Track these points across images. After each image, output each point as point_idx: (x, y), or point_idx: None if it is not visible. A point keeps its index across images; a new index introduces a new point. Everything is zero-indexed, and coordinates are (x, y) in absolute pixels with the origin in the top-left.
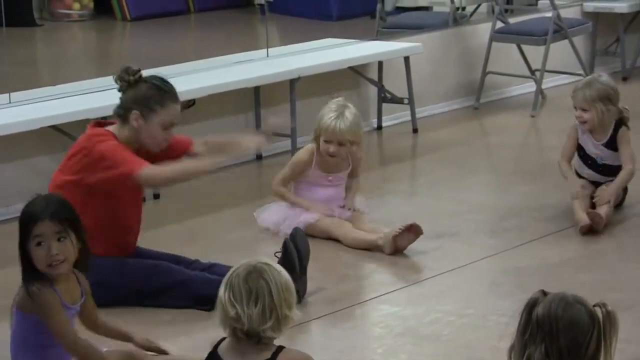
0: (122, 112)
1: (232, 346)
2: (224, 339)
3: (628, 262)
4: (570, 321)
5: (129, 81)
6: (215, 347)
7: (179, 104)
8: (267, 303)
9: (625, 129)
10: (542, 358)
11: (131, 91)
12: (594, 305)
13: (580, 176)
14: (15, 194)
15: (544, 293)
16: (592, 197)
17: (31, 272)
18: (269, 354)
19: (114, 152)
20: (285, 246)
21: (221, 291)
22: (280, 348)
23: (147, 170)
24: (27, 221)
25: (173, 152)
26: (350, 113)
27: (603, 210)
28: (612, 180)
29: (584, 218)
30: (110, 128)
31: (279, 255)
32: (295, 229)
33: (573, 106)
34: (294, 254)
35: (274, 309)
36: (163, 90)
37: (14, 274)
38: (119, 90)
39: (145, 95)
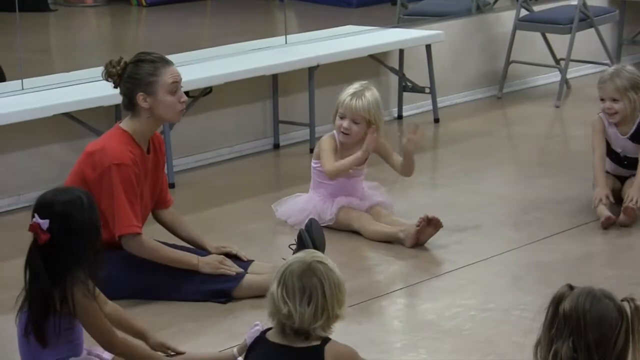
0: (128, 103)
1: (280, 336)
2: (270, 328)
3: None
4: (599, 316)
5: (117, 73)
6: (264, 332)
7: (171, 64)
8: (320, 303)
9: None
10: (569, 353)
11: (124, 80)
12: (622, 300)
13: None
14: (27, 184)
15: (571, 287)
16: (617, 196)
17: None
18: (317, 342)
19: (120, 200)
20: (300, 237)
21: (274, 286)
22: (328, 339)
23: (136, 241)
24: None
25: (160, 203)
26: (370, 94)
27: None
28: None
29: (605, 212)
30: (126, 126)
31: (294, 247)
32: (311, 220)
33: (600, 98)
34: (310, 245)
35: (326, 308)
36: (148, 61)
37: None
38: (114, 87)
39: (137, 75)
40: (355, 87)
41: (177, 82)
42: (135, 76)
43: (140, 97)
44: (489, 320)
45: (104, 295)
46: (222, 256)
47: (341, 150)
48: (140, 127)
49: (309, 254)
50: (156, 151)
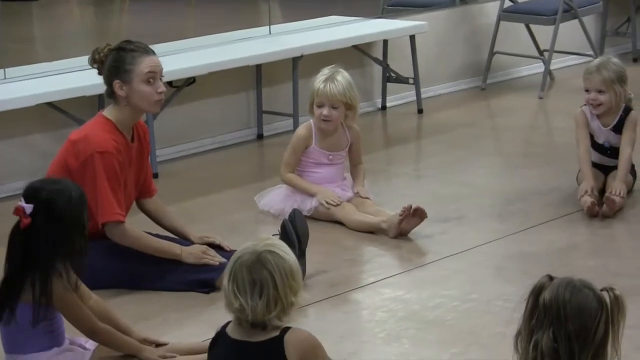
0: (109, 91)
1: (239, 329)
2: (230, 321)
3: (637, 248)
4: (578, 306)
5: (100, 60)
6: (224, 327)
7: (151, 54)
8: (272, 294)
9: (636, 113)
10: (550, 343)
11: (105, 67)
12: (602, 290)
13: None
14: (11, 173)
15: (551, 278)
16: (602, 189)
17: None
18: (276, 333)
19: (103, 188)
20: (283, 228)
21: (225, 280)
22: (287, 328)
23: (119, 229)
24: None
25: (144, 192)
26: (342, 77)
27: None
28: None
29: (589, 200)
30: (109, 114)
31: (277, 237)
32: (294, 211)
33: (585, 89)
34: (293, 236)
35: (279, 298)
36: (128, 49)
37: None
38: (99, 74)
39: (115, 63)
40: (325, 73)
41: (153, 72)
42: (114, 64)
43: (116, 85)
44: (472, 311)
45: (88, 288)
46: (205, 246)
47: (321, 137)
48: (121, 116)
49: (260, 243)
50: (140, 140)
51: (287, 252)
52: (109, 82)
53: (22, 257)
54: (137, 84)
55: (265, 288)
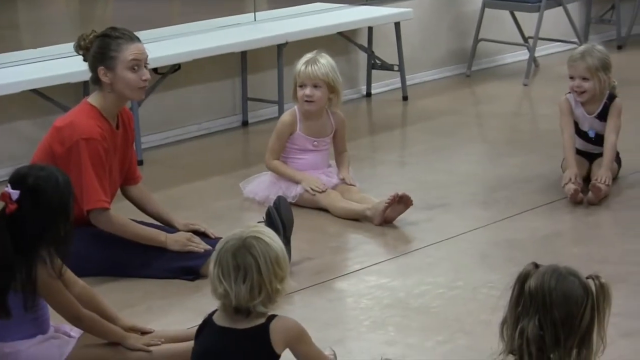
0: (94, 77)
1: (224, 315)
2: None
3: (622, 235)
4: (564, 293)
5: (86, 47)
6: (211, 315)
7: (136, 42)
8: (256, 280)
9: (621, 100)
10: (535, 331)
11: (90, 54)
12: (587, 277)
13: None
14: None
15: (536, 265)
16: (586, 176)
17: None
18: (262, 320)
19: (88, 175)
20: (269, 215)
21: (211, 265)
22: (273, 316)
23: (104, 216)
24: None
25: (129, 179)
26: (324, 59)
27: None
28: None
29: (572, 187)
30: (94, 100)
31: (262, 224)
32: (279, 198)
33: (570, 76)
34: (278, 223)
35: (263, 284)
36: (113, 36)
37: None
38: (84, 60)
39: (100, 50)
40: (307, 56)
41: (138, 60)
42: (99, 50)
43: (101, 71)
44: (457, 298)
45: (74, 274)
46: (190, 234)
47: (306, 123)
48: (105, 102)
49: (247, 229)
50: (125, 126)
51: (273, 239)
52: (93, 68)
53: (11, 243)
54: (122, 70)
55: (249, 273)
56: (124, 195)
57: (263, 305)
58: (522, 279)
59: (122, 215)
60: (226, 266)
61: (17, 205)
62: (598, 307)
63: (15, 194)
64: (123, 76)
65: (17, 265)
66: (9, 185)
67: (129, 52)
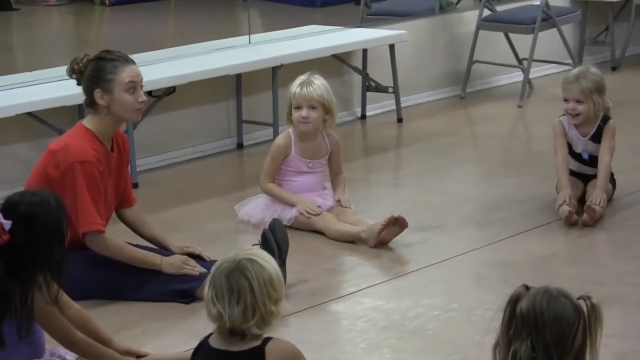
0: (88, 100)
1: (220, 338)
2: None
3: (617, 256)
4: (555, 314)
5: (79, 71)
6: (206, 337)
7: (132, 64)
8: (249, 301)
9: (614, 122)
10: (528, 353)
11: (85, 77)
12: (578, 298)
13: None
14: None
15: (527, 287)
16: (581, 197)
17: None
18: (258, 343)
19: (83, 198)
20: (264, 237)
21: (206, 288)
22: (269, 338)
23: (99, 239)
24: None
25: (124, 202)
26: (319, 80)
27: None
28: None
29: (567, 209)
30: (89, 123)
31: (257, 247)
32: (274, 220)
33: (564, 98)
34: (274, 245)
35: (257, 306)
36: (108, 59)
37: None
38: (78, 84)
39: (95, 73)
40: (301, 78)
41: (134, 82)
42: (94, 73)
43: (97, 94)
44: (452, 320)
45: (68, 297)
46: (185, 256)
47: (300, 145)
48: (101, 125)
49: (241, 252)
50: (120, 149)
51: (267, 261)
52: (89, 91)
53: (7, 273)
54: (119, 92)
55: (242, 294)
56: (119, 219)
57: (257, 328)
58: (514, 300)
59: (117, 238)
60: (220, 288)
61: (9, 236)
62: (590, 328)
63: (7, 224)
64: (120, 98)
65: (12, 292)
66: (0, 214)
67: (125, 74)
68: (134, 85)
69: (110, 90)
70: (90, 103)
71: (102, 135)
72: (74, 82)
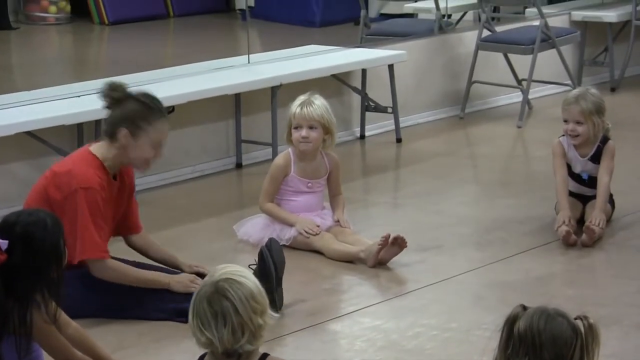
0: (109, 130)
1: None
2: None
3: (616, 277)
4: (553, 334)
5: (115, 98)
6: (201, 357)
7: (167, 121)
8: (236, 322)
9: (614, 142)
10: None
11: (118, 108)
12: (575, 318)
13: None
14: None
15: (524, 307)
16: (580, 218)
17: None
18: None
19: (87, 224)
20: (261, 257)
21: (190, 317)
22: (265, 355)
23: (105, 266)
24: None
25: (131, 229)
26: (318, 101)
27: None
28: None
29: (565, 229)
30: (96, 150)
31: (254, 267)
32: (271, 240)
33: (564, 119)
34: (270, 265)
35: (244, 324)
36: (151, 107)
37: None
38: (105, 107)
39: (133, 113)
40: (301, 98)
41: (162, 142)
42: (132, 113)
43: (122, 132)
44: (450, 340)
45: (66, 316)
46: (193, 275)
47: (300, 165)
48: (109, 156)
49: (217, 273)
50: (123, 179)
51: (244, 276)
52: (115, 124)
53: (5, 293)
54: (144, 144)
55: (227, 316)
56: (128, 245)
57: (249, 344)
58: (511, 321)
59: (120, 262)
60: (204, 315)
61: (6, 256)
62: (587, 348)
63: (4, 244)
64: (143, 150)
65: (11, 311)
66: None
67: (160, 132)
68: (162, 144)
69: (137, 136)
70: (110, 134)
71: (107, 164)
72: (73, 101)
